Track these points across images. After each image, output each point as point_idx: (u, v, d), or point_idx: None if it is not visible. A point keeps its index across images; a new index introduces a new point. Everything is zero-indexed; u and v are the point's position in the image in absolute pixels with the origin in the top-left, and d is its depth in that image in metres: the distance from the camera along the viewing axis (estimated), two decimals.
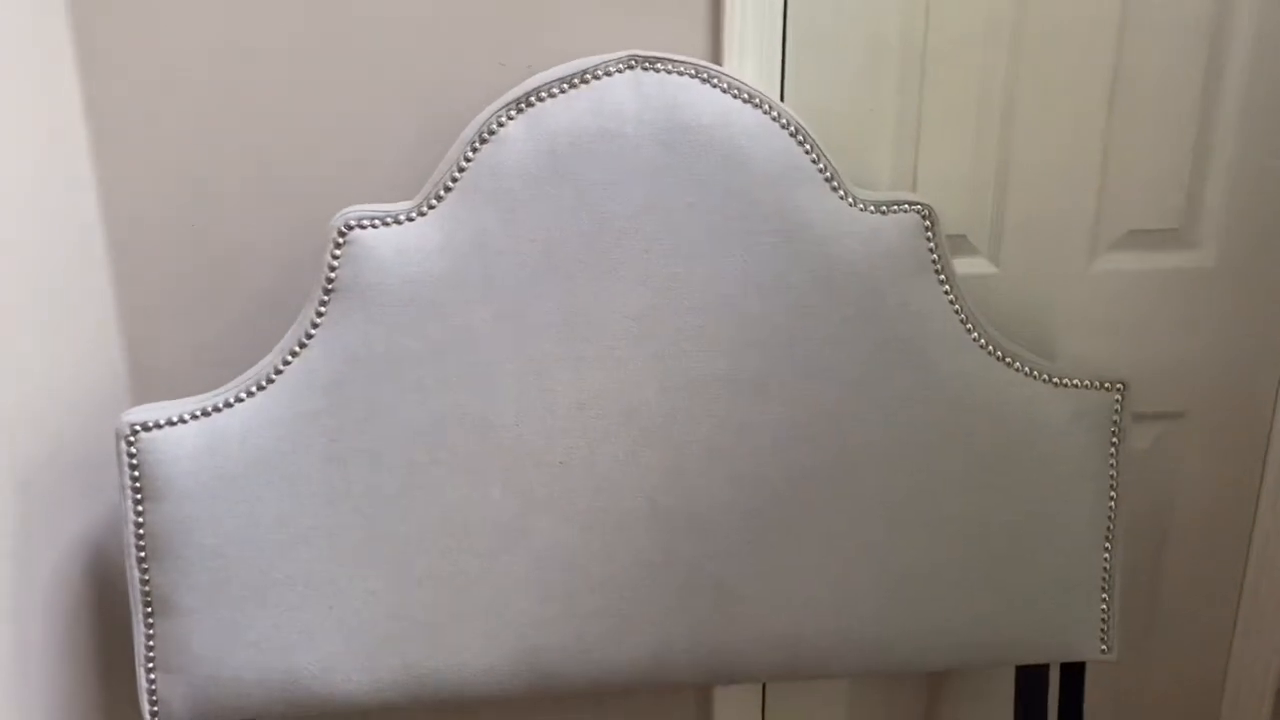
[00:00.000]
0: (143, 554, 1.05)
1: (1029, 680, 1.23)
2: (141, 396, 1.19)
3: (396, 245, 1.03)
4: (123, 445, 1.03)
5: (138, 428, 1.03)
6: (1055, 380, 1.13)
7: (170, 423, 1.03)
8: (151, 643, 1.07)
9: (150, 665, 1.07)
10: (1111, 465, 1.16)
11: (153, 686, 1.07)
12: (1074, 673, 1.22)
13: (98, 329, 1.15)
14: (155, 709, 1.08)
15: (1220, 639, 1.41)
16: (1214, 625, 1.40)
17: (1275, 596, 1.37)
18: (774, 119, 1.05)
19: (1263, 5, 1.15)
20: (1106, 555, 1.17)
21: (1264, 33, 1.16)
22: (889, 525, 1.12)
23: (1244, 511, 1.35)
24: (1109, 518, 1.17)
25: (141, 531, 1.05)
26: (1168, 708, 1.44)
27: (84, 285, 1.13)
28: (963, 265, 1.22)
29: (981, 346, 1.11)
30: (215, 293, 1.16)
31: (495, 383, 1.06)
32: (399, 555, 1.07)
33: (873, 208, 1.08)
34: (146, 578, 1.05)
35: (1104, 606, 1.18)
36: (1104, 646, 1.19)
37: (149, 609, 1.06)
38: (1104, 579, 1.18)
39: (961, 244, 1.22)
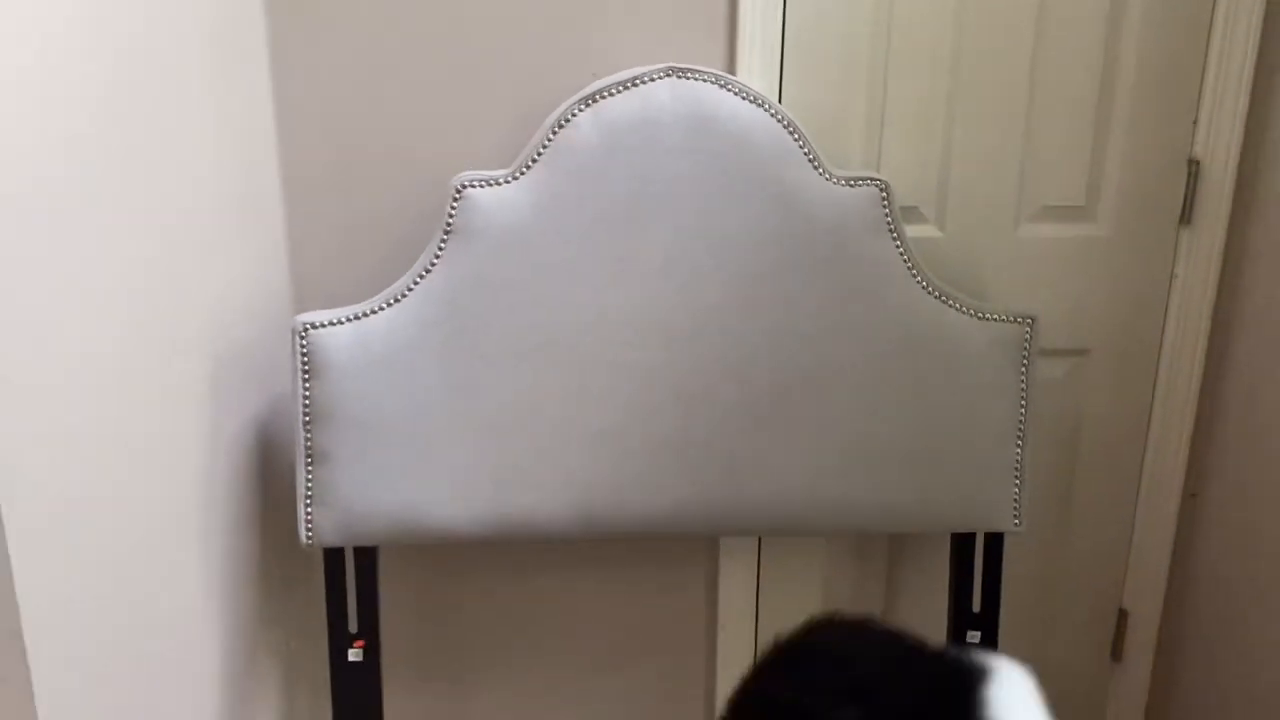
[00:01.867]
0: (307, 418, 1.45)
1: (960, 546, 1.60)
2: (301, 307, 1.59)
3: (497, 201, 1.43)
4: (296, 339, 1.43)
5: (308, 326, 1.43)
6: (980, 315, 1.50)
7: (331, 324, 1.43)
8: (310, 485, 1.46)
9: (308, 501, 1.47)
10: (1023, 382, 1.52)
11: (309, 517, 1.47)
12: (994, 541, 1.58)
13: (271, 258, 1.55)
14: (310, 534, 1.47)
15: (1122, 536, 1.76)
16: (1117, 524, 1.76)
17: (1165, 489, 1.71)
18: (772, 115, 1.43)
19: (1144, 32, 1.52)
20: (1018, 450, 1.53)
21: (1146, 52, 1.53)
22: (848, 418, 1.49)
23: (1139, 428, 1.71)
24: (1019, 421, 1.53)
25: (307, 402, 1.44)
26: (1079, 593, 1.79)
27: (263, 229, 1.53)
28: (915, 230, 1.59)
29: (923, 288, 1.48)
30: (358, 231, 1.57)
31: (564, 303, 1.45)
32: (492, 425, 1.46)
33: (843, 182, 1.46)
34: (309, 435, 1.45)
35: (1016, 490, 1.54)
36: (1016, 521, 1.55)
37: (309, 460, 1.46)
38: (1016, 469, 1.54)
39: (914, 213, 1.59)
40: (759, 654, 1.09)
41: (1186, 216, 1.60)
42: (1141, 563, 1.76)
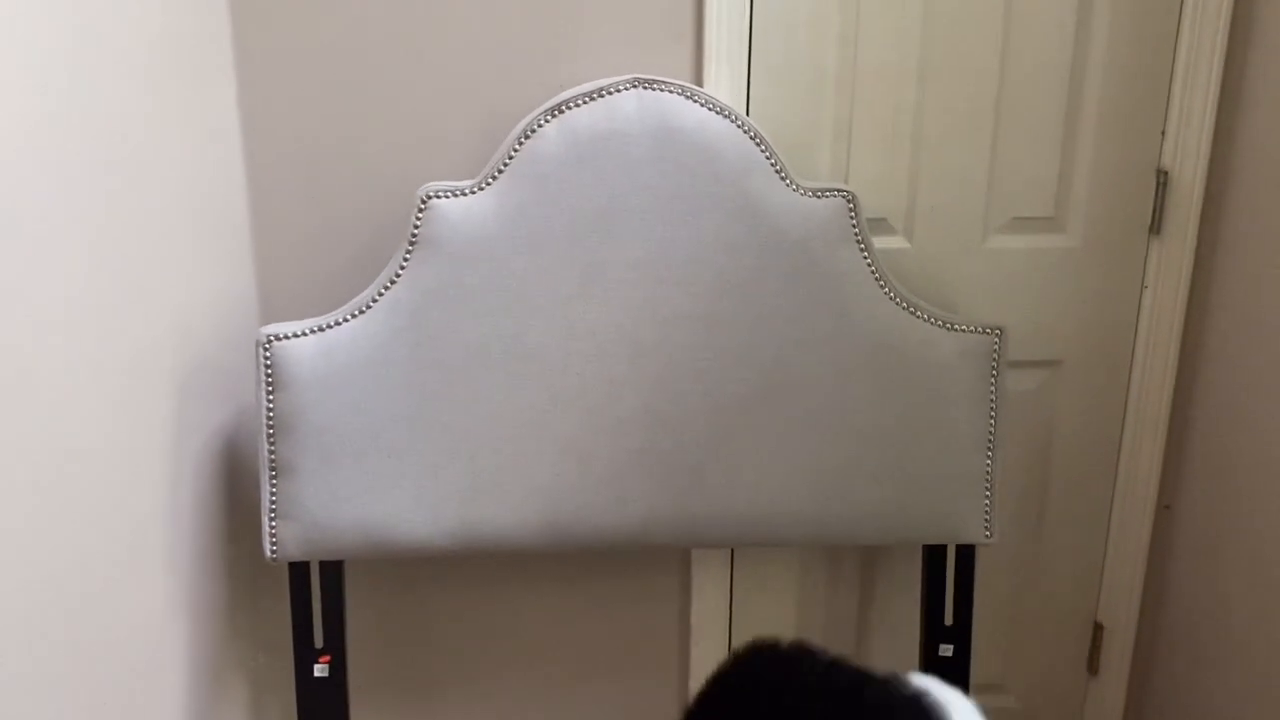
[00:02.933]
0: (271, 431, 1.44)
1: (932, 558, 1.59)
2: (267, 318, 1.58)
3: (462, 211, 1.42)
4: (260, 350, 1.42)
5: (272, 338, 1.42)
6: (949, 326, 1.50)
7: (295, 335, 1.43)
8: (274, 498, 1.45)
9: (272, 515, 1.46)
10: (992, 393, 1.51)
11: (273, 531, 1.46)
12: (966, 553, 1.58)
13: (237, 271, 1.55)
14: (274, 547, 1.46)
15: (1097, 536, 1.75)
16: (1091, 536, 1.75)
17: (1139, 502, 1.71)
18: (738, 126, 1.43)
19: (1111, 44, 1.53)
20: (988, 462, 1.53)
21: (1114, 63, 1.54)
22: (819, 430, 1.49)
23: (1112, 439, 1.70)
24: (989, 433, 1.52)
25: (271, 414, 1.43)
26: (1055, 608, 1.78)
27: (228, 239, 1.52)
28: (883, 242, 1.59)
29: (891, 299, 1.48)
30: (325, 242, 1.56)
31: (530, 313, 1.44)
32: (458, 438, 1.45)
33: (810, 193, 1.45)
34: (272, 448, 1.44)
35: (986, 502, 1.53)
36: (987, 533, 1.54)
37: (273, 472, 1.45)
38: (986, 480, 1.53)
39: (882, 225, 1.59)
40: (701, 689, 1.09)
41: (1156, 226, 1.60)
42: (1116, 575, 1.75)
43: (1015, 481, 1.71)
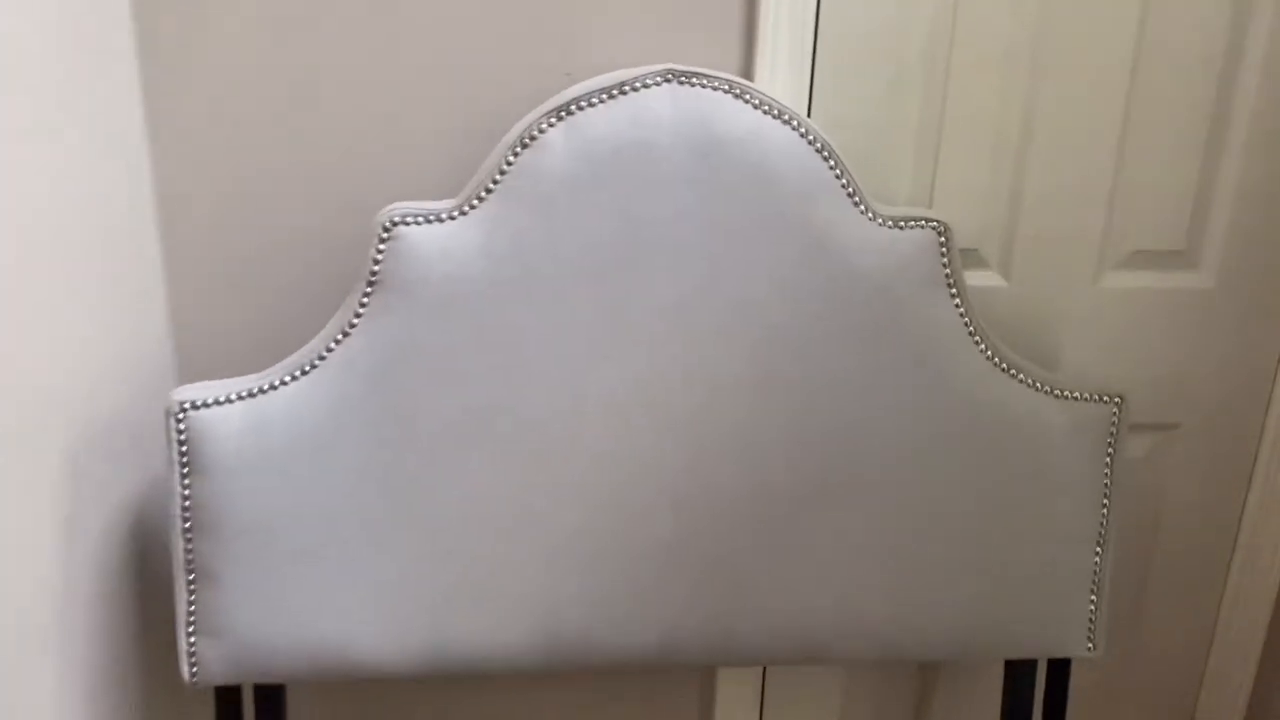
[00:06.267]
0: (187, 525, 1.11)
1: (1017, 673, 1.30)
2: (187, 376, 1.25)
3: (439, 243, 1.08)
4: (172, 422, 1.09)
5: (187, 406, 1.09)
6: (1056, 392, 1.18)
7: (218, 402, 1.09)
8: (192, 608, 1.13)
9: (191, 629, 1.13)
10: (1106, 475, 1.21)
11: (192, 649, 1.14)
12: (1060, 668, 1.29)
13: (147, 311, 1.21)
14: (194, 670, 1.14)
15: (1200, 642, 1.48)
16: (1196, 628, 1.47)
17: (1255, 605, 1.43)
18: (802, 135, 1.10)
19: (1272, 39, 1.20)
20: (1097, 559, 1.23)
21: (1273, 66, 1.21)
22: (893, 522, 1.18)
23: (1229, 520, 1.42)
24: (1101, 524, 1.22)
25: (187, 504, 1.10)
26: (1146, 704, 1.51)
27: (134, 269, 1.18)
28: (973, 278, 1.28)
29: (988, 359, 1.16)
30: (258, 279, 1.22)
31: (529, 377, 1.11)
32: (427, 534, 1.13)
33: (891, 223, 1.13)
34: (190, 548, 1.11)
35: (1092, 607, 1.24)
36: (1090, 644, 1.25)
37: (191, 577, 1.12)
38: (1094, 581, 1.24)
39: (973, 257, 1.27)
40: None
41: None
42: (1221, 670, 1.48)
43: (1112, 563, 1.42)
